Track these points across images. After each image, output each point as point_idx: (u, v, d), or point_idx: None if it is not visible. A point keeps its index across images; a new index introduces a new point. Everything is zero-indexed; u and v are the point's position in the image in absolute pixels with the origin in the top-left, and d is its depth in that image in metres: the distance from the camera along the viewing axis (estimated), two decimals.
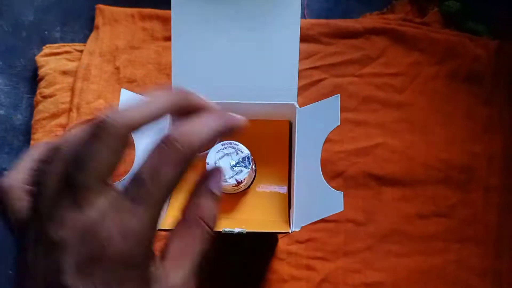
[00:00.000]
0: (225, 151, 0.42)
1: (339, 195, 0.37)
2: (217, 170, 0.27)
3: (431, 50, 0.65)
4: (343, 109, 0.63)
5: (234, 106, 0.44)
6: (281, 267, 0.59)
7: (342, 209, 0.37)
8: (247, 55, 0.43)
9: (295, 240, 0.60)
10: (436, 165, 0.62)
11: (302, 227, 0.39)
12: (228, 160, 0.41)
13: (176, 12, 0.43)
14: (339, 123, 0.40)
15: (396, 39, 0.66)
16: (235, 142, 0.42)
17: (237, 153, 0.42)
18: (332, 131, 0.62)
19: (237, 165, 0.41)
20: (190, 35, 0.43)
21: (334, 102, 0.40)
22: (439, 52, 0.65)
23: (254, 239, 0.59)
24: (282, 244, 0.60)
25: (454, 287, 0.58)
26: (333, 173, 0.62)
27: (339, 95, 0.40)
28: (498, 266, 0.59)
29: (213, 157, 0.42)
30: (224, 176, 0.41)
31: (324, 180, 0.40)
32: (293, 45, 0.42)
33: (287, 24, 0.43)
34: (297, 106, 0.43)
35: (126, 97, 0.41)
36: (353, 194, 0.61)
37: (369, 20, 0.68)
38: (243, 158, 0.42)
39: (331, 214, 0.38)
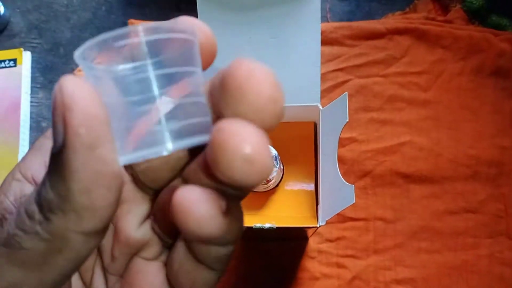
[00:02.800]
0: None
1: (351, 188, 0.38)
2: None
3: (455, 47, 0.66)
4: (368, 109, 0.65)
5: None
6: (312, 265, 0.60)
7: (353, 201, 0.38)
8: (270, 60, 0.45)
9: (325, 239, 0.61)
10: (464, 161, 0.62)
11: (327, 222, 0.41)
12: None
13: (202, 18, 0.45)
14: (347, 120, 0.40)
15: (419, 38, 0.67)
16: None
17: None
18: (358, 130, 0.64)
19: None
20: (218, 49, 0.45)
21: (343, 100, 0.41)
22: (463, 49, 0.66)
23: (283, 237, 0.60)
24: (312, 243, 0.61)
25: (487, 281, 0.58)
26: (360, 172, 0.63)
27: (346, 93, 0.41)
28: None
29: None
30: None
31: (340, 174, 0.41)
32: (315, 48, 0.44)
33: (308, 27, 0.44)
34: (321, 107, 0.44)
35: None
36: (381, 192, 0.62)
37: (392, 21, 0.69)
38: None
39: (345, 207, 0.38)
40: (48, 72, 0.73)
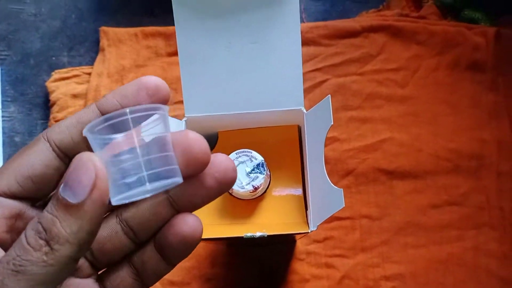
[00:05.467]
0: (240, 159, 0.44)
1: (339, 192, 0.38)
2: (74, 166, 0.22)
3: (430, 42, 0.66)
4: (347, 108, 0.65)
5: (243, 116, 0.45)
6: (301, 267, 0.60)
7: (343, 206, 0.38)
8: (251, 65, 0.45)
9: (313, 240, 0.61)
10: (445, 155, 0.63)
11: (318, 226, 0.40)
12: (243, 168, 0.43)
13: (180, 27, 0.44)
14: (332, 123, 0.40)
15: (394, 35, 0.67)
16: (248, 150, 0.44)
17: (252, 160, 0.43)
18: (339, 130, 0.64)
19: (253, 171, 0.43)
20: (195, 50, 0.44)
21: (326, 103, 0.41)
22: (438, 44, 0.66)
23: (272, 242, 0.60)
24: (300, 244, 0.61)
25: (474, 273, 0.59)
26: (343, 171, 0.63)
27: (329, 95, 0.41)
28: None
29: None
30: (241, 183, 0.42)
31: (328, 179, 0.40)
32: (295, 51, 0.43)
33: (288, 31, 0.44)
34: (304, 110, 0.44)
35: None
36: (365, 190, 0.62)
37: (366, 19, 0.69)
38: (258, 165, 0.43)
39: (335, 211, 0.38)
40: (19, 85, 0.71)
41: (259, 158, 0.44)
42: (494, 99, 0.64)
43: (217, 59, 0.45)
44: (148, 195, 0.24)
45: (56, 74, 0.70)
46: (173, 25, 0.69)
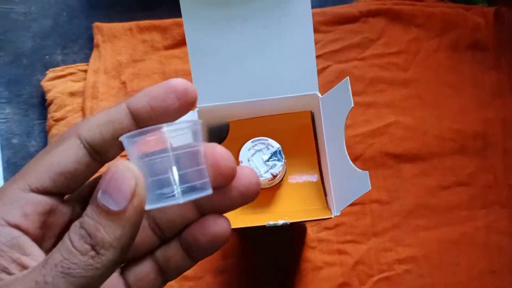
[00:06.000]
0: (256, 147, 0.43)
1: (365, 175, 0.38)
2: (109, 172, 0.23)
3: (429, 24, 0.66)
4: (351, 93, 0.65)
5: (255, 104, 0.44)
6: (313, 255, 0.60)
7: (370, 188, 0.38)
8: (263, 51, 0.44)
9: (323, 227, 0.60)
10: (450, 136, 0.63)
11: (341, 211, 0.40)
12: (260, 156, 0.42)
13: (187, 18, 0.43)
14: (352, 105, 0.40)
15: (393, 19, 0.67)
16: (264, 137, 0.43)
17: (268, 148, 0.43)
18: None
19: (270, 159, 0.42)
20: (204, 40, 0.44)
21: (344, 86, 0.40)
22: (437, 26, 0.66)
23: (283, 231, 0.59)
24: (311, 232, 0.60)
25: (486, 251, 0.59)
26: (351, 157, 0.61)
27: (348, 77, 0.40)
28: None
29: (245, 155, 0.42)
30: (259, 171, 0.42)
31: (351, 162, 0.40)
32: (308, 34, 0.43)
33: (299, 16, 0.43)
34: (319, 95, 0.43)
35: None
36: (373, 174, 0.62)
37: (364, 4, 0.69)
38: (275, 152, 0.42)
39: (361, 194, 0.38)
40: (13, 85, 0.69)
41: (276, 145, 0.43)
42: (497, 78, 0.64)
43: (227, 47, 0.44)
44: (180, 202, 0.25)
45: (51, 73, 0.68)
46: (169, 18, 0.69)
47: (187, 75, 0.65)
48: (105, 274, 0.23)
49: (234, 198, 0.27)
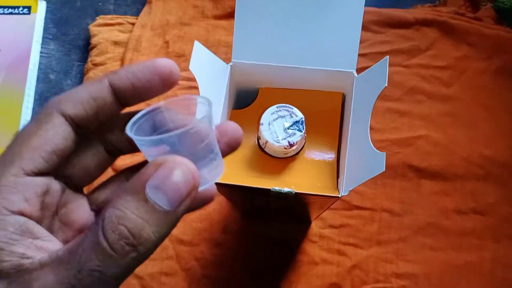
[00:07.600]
0: (280, 113, 0.42)
1: (382, 156, 0.36)
2: (167, 163, 0.23)
3: (481, 45, 0.64)
4: (386, 98, 0.64)
5: (289, 71, 0.44)
6: (312, 249, 0.59)
7: (383, 170, 0.36)
8: (309, 18, 0.43)
9: (328, 225, 0.60)
10: (478, 160, 0.61)
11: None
12: (282, 122, 0.42)
13: None
14: (386, 84, 0.38)
15: (447, 32, 0.65)
16: (290, 105, 0.42)
17: (292, 116, 0.42)
18: (374, 119, 0.62)
19: (291, 127, 0.41)
20: (253, 3, 0.43)
21: (383, 65, 0.39)
22: (488, 48, 0.64)
23: (287, 218, 0.59)
24: (315, 227, 0.60)
25: (490, 283, 0.57)
26: None
27: (387, 57, 0.39)
28: None
29: (267, 118, 0.42)
30: (277, 137, 0.41)
31: (371, 142, 0.39)
32: (358, 11, 0.42)
33: None
34: (356, 74, 0.43)
35: (198, 49, 0.41)
36: (390, 184, 0.61)
37: (421, 11, 0.67)
38: (297, 122, 0.42)
39: (373, 175, 0.37)
40: (62, 25, 0.71)
41: (300, 115, 0.42)
42: None
43: (274, 9, 0.43)
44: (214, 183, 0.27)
45: (100, 19, 0.69)
46: None
47: (229, 47, 0.65)
48: (135, 268, 0.23)
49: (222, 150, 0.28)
